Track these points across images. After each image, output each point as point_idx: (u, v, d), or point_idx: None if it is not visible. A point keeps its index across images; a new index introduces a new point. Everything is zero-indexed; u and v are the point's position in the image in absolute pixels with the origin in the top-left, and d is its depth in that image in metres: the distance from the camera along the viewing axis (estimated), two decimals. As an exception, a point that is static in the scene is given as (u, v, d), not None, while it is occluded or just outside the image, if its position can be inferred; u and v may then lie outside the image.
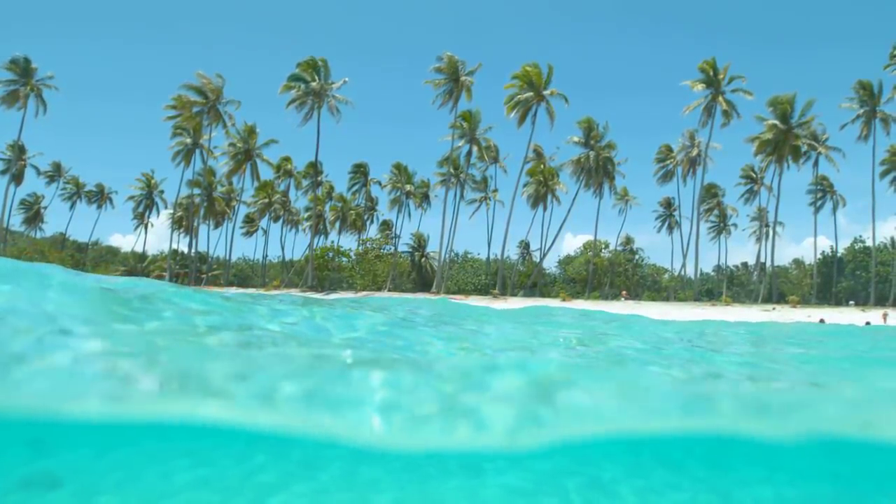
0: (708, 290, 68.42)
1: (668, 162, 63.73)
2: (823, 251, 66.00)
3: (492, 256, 66.52)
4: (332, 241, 69.24)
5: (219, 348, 3.77)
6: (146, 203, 74.16)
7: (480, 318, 7.06)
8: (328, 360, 3.75)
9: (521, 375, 3.57)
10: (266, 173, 65.71)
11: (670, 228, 70.48)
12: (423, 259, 71.37)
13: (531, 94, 54.86)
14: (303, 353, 3.89)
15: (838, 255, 64.84)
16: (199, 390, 3.26)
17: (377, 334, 4.94)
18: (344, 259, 63.85)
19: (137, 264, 71.72)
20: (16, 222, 72.53)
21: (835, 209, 62.88)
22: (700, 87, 53.67)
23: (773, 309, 42.81)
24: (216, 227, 70.98)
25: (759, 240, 63.51)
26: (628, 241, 70.68)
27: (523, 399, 3.39)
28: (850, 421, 3.62)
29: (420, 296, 48.81)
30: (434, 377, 3.59)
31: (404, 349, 4.55)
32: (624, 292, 60.07)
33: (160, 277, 66.06)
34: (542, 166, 61.80)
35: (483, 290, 56.98)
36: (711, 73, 53.30)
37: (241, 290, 54.22)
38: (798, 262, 74.91)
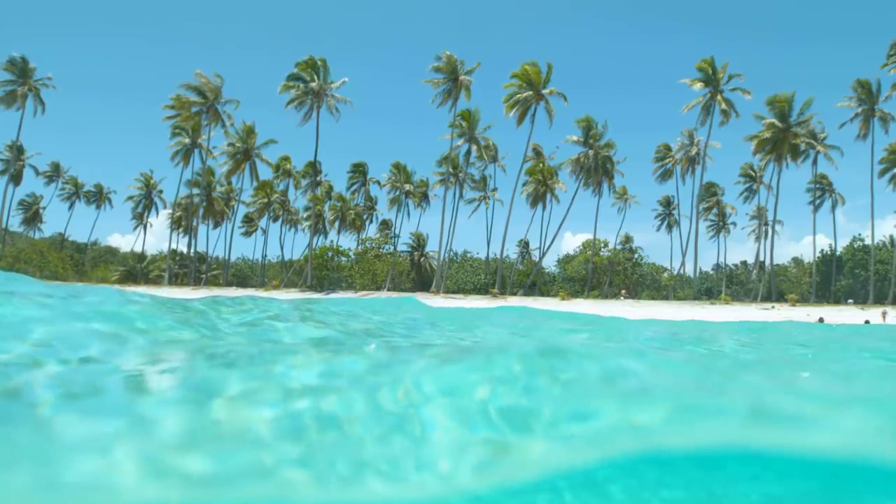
0: (707, 288, 68.44)
1: (667, 161, 63.73)
2: (822, 249, 66.06)
3: (491, 255, 66.59)
4: (332, 241, 69.27)
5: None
6: (145, 203, 74.15)
7: (438, 321, 6.89)
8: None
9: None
10: (265, 173, 65.78)
11: (669, 227, 70.56)
12: (422, 258, 71.38)
13: (530, 92, 54.82)
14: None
15: (837, 253, 64.83)
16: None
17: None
18: (343, 259, 63.84)
19: (136, 264, 71.75)
20: (15, 223, 72.65)
21: (834, 208, 62.95)
22: (699, 85, 53.63)
23: (773, 307, 42.84)
24: (215, 226, 71.04)
25: (758, 238, 63.68)
26: (627, 239, 70.70)
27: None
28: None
29: (384, 294, 49.02)
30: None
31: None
32: (623, 291, 60.11)
33: (159, 278, 66.09)
34: (541, 165, 61.77)
35: (482, 290, 56.98)
36: (710, 72, 53.27)
37: (240, 290, 54.26)
38: (797, 261, 74.87)
